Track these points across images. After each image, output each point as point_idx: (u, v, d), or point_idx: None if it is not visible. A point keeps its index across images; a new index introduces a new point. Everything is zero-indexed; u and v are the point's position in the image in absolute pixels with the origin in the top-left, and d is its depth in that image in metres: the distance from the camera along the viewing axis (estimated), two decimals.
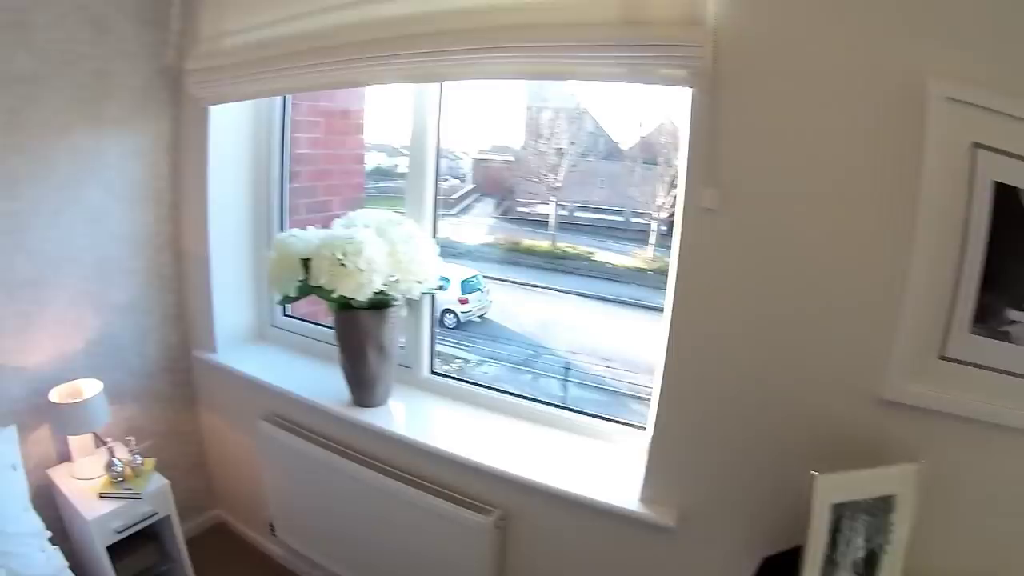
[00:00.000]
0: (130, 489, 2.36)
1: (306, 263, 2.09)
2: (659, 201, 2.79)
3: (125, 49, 2.49)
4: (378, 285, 2.01)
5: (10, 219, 2.27)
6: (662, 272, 2.78)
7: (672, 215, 2.73)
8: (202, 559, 2.71)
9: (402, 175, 3.00)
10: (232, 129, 2.66)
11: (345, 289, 1.98)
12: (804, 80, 1.38)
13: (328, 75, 2.06)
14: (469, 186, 3.11)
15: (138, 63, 2.54)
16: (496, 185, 3.14)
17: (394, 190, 3.28)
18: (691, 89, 1.49)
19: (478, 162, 3.13)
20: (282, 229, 2.80)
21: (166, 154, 2.72)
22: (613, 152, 2.88)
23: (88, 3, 2.36)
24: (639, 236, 2.86)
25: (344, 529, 2.38)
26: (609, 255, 3.01)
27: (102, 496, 2.33)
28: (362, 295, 1.99)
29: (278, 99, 2.72)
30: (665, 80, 1.50)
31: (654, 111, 2.78)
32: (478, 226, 3.14)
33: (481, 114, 2.64)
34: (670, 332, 1.64)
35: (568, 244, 2.98)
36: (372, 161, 3.25)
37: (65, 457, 2.53)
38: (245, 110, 2.69)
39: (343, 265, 1.96)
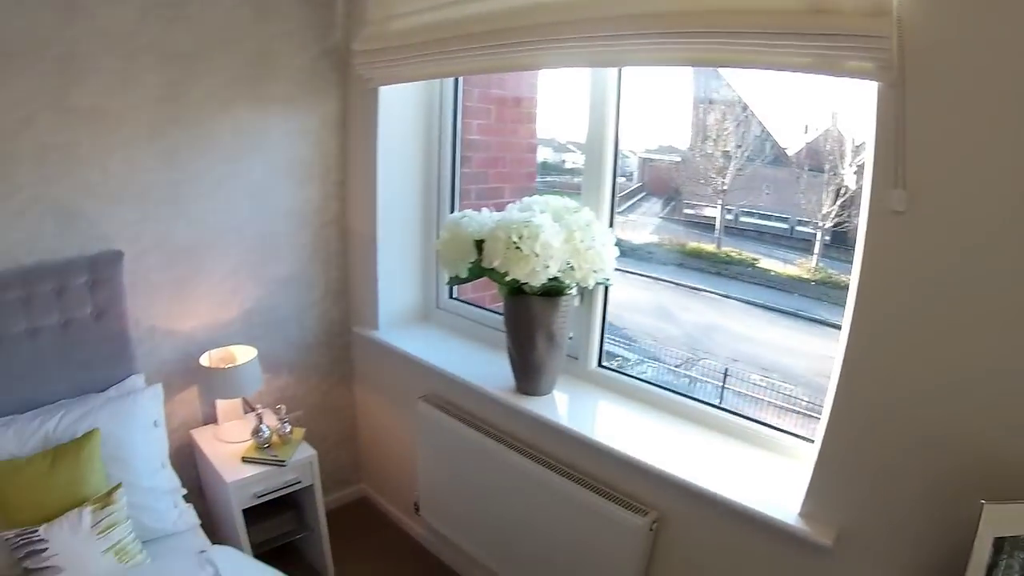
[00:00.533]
0: (275, 456, 2.45)
1: (479, 245, 2.10)
2: (825, 210, 2.67)
3: (288, 29, 2.60)
4: (553, 271, 2.00)
5: (171, 188, 2.41)
6: (824, 283, 2.67)
7: (838, 225, 2.61)
8: (340, 530, 2.79)
9: (569, 171, 2.98)
10: (402, 110, 2.73)
11: (519, 273, 1.98)
12: (994, 70, 1.26)
13: (498, 58, 2.08)
14: (635, 184, 3.07)
15: (302, 43, 2.66)
16: (663, 185, 3.09)
17: (560, 185, 3.28)
18: (877, 84, 1.40)
19: (645, 161, 3.09)
20: (453, 212, 2.83)
21: (334, 133, 2.82)
22: (779, 157, 2.77)
23: None
24: (803, 245, 2.75)
25: (491, 515, 2.39)
26: (772, 263, 2.90)
27: (245, 460, 2.45)
28: (536, 280, 1.99)
29: (449, 82, 2.78)
30: (852, 73, 1.42)
31: (819, 115, 2.66)
32: (644, 225, 3.09)
33: (648, 112, 2.60)
34: (848, 343, 1.55)
35: (733, 249, 2.88)
36: (539, 155, 3.28)
37: (211, 420, 2.67)
38: (416, 92, 2.76)
39: (518, 248, 1.96)
